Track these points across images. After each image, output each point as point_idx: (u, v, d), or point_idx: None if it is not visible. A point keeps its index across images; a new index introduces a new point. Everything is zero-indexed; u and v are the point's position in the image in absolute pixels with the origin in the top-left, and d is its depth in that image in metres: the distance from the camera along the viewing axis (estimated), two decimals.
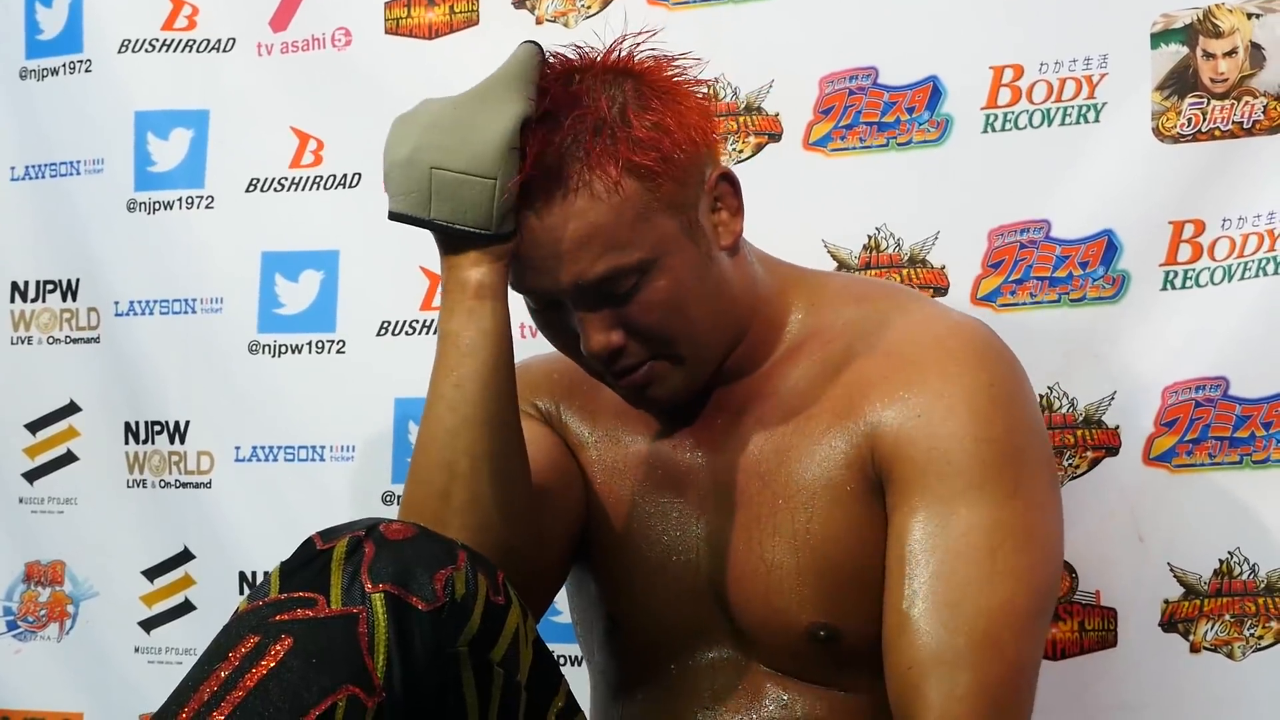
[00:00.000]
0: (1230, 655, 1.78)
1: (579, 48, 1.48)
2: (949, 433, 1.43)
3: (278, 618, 1.25)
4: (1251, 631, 1.77)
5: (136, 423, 2.32)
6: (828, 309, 1.54)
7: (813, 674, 1.51)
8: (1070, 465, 1.83)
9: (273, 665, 1.23)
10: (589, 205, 1.40)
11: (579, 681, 1.70)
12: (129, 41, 2.33)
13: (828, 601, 1.48)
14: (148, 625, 2.30)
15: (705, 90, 1.53)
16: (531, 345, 1.64)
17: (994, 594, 1.40)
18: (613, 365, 1.46)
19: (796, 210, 1.95)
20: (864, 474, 1.47)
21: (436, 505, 1.43)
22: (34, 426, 2.38)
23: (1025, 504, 1.44)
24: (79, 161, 2.36)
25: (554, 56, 1.47)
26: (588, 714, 1.67)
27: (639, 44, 1.47)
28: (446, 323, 1.43)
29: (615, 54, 1.47)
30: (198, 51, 2.31)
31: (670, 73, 1.47)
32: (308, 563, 1.29)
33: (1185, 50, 1.82)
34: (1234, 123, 1.79)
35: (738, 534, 1.51)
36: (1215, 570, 1.79)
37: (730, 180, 1.49)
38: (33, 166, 2.38)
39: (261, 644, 1.24)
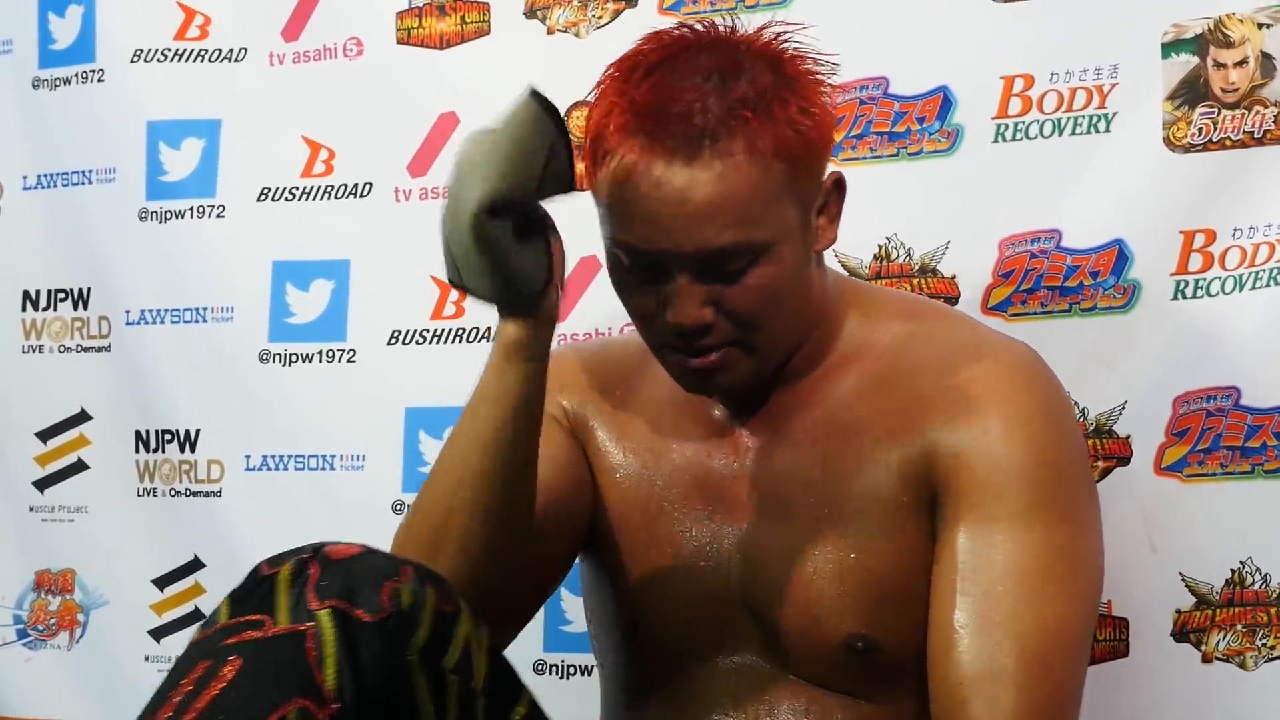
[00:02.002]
0: (1242, 665, 1.78)
1: (734, 19, 1.47)
2: (1009, 455, 1.44)
3: (226, 641, 1.28)
4: (1264, 642, 1.77)
5: (147, 431, 2.33)
6: (878, 322, 1.54)
7: (841, 684, 1.50)
8: None
9: (223, 686, 1.25)
10: (733, 172, 1.37)
11: (591, 692, 1.70)
12: (141, 51, 2.34)
13: (868, 614, 1.47)
14: (158, 634, 2.30)
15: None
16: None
17: (1045, 616, 1.40)
18: (693, 342, 1.44)
19: None
20: (917, 489, 1.47)
21: (429, 543, 1.44)
22: (45, 435, 2.38)
23: (1076, 528, 1.45)
24: (91, 170, 2.36)
25: (705, 23, 1.46)
26: (598, 718, 1.67)
27: (785, 35, 1.46)
28: (482, 375, 1.46)
29: (766, 36, 1.45)
30: (210, 61, 2.31)
31: (815, 68, 1.45)
32: (255, 588, 1.32)
33: (1196, 60, 1.82)
34: (1245, 132, 1.79)
35: (777, 541, 1.51)
36: (1227, 580, 1.78)
37: (842, 187, 1.48)
38: (44, 175, 2.39)
39: (211, 668, 1.26)
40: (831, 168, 1.49)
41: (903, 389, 1.49)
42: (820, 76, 1.45)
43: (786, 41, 1.45)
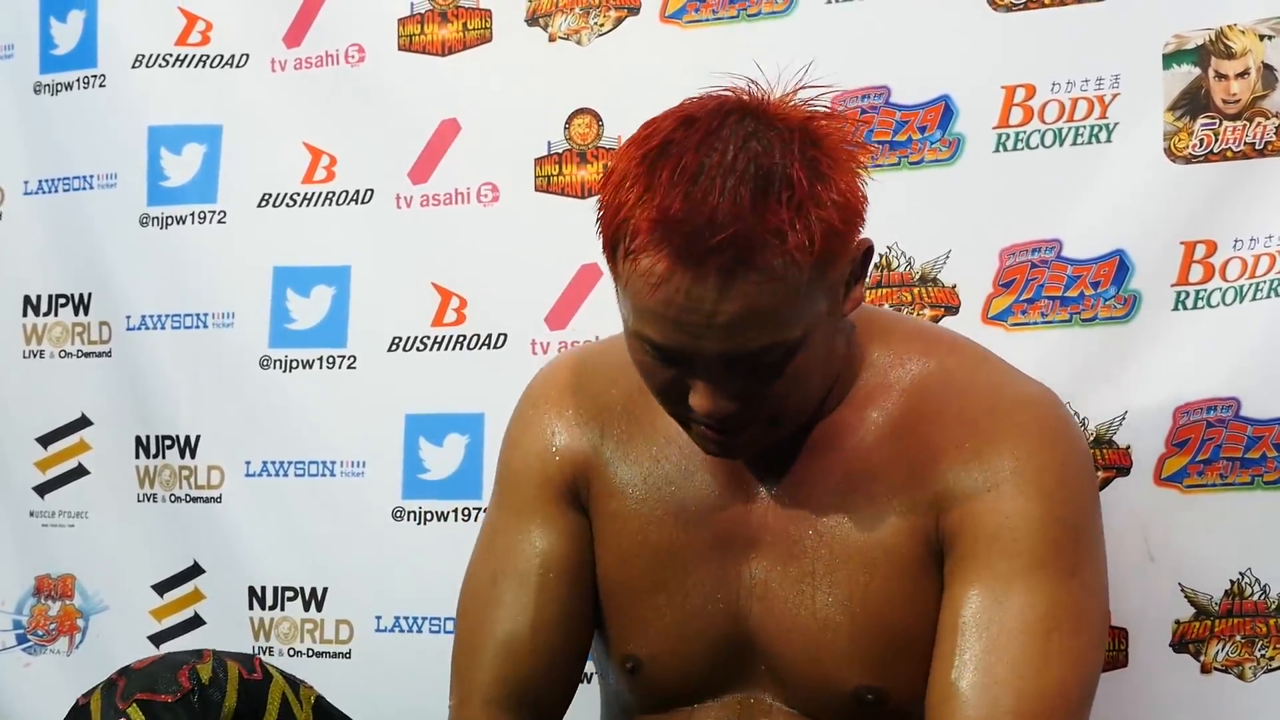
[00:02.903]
0: (1241, 676, 1.78)
1: (753, 84, 1.38)
2: (1019, 510, 1.42)
3: None
4: (1262, 653, 1.77)
5: (147, 437, 2.33)
6: (897, 360, 1.49)
7: None
8: None
9: None
10: (767, 285, 1.31)
11: (591, 699, 1.69)
12: (143, 57, 2.34)
13: (878, 665, 1.46)
14: (157, 639, 2.30)
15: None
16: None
17: (1048, 676, 1.39)
18: (716, 424, 1.40)
19: None
20: (927, 542, 1.45)
21: None
22: (45, 440, 2.38)
23: (1083, 587, 1.43)
24: (92, 176, 2.36)
25: (734, 93, 1.37)
26: None
27: (815, 101, 1.37)
28: None
29: (792, 102, 1.37)
30: (211, 67, 2.31)
31: (848, 142, 1.37)
32: (74, 716, 1.43)
33: (1197, 71, 1.82)
34: (1246, 144, 1.80)
35: (789, 587, 1.48)
36: (1226, 591, 1.78)
37: (870, 252, 1.41)
38: (46, 180, 2.39)
39: None
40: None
41: (918, 436, 1.46)
42: (853, 150, 1.37)
43: (817, 108, 1.37)
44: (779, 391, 1.38)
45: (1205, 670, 1.79)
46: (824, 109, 1.38)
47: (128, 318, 2.33)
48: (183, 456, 2.30)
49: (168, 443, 2.31)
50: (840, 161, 1.35)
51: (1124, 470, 1.83)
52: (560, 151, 2.13)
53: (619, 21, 2.11)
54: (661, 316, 1.33)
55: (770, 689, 1.51)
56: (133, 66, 2.34)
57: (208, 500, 2.29)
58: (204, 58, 2.32)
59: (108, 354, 2.36)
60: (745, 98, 1.37)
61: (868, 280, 1.44)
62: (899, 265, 1.94)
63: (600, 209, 1.37)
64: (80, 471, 2.37)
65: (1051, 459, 1.44)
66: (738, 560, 1.51)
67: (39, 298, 2.40)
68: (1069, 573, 1.42)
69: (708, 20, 2.06)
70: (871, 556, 1.46)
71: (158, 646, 2.30)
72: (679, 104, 1.39)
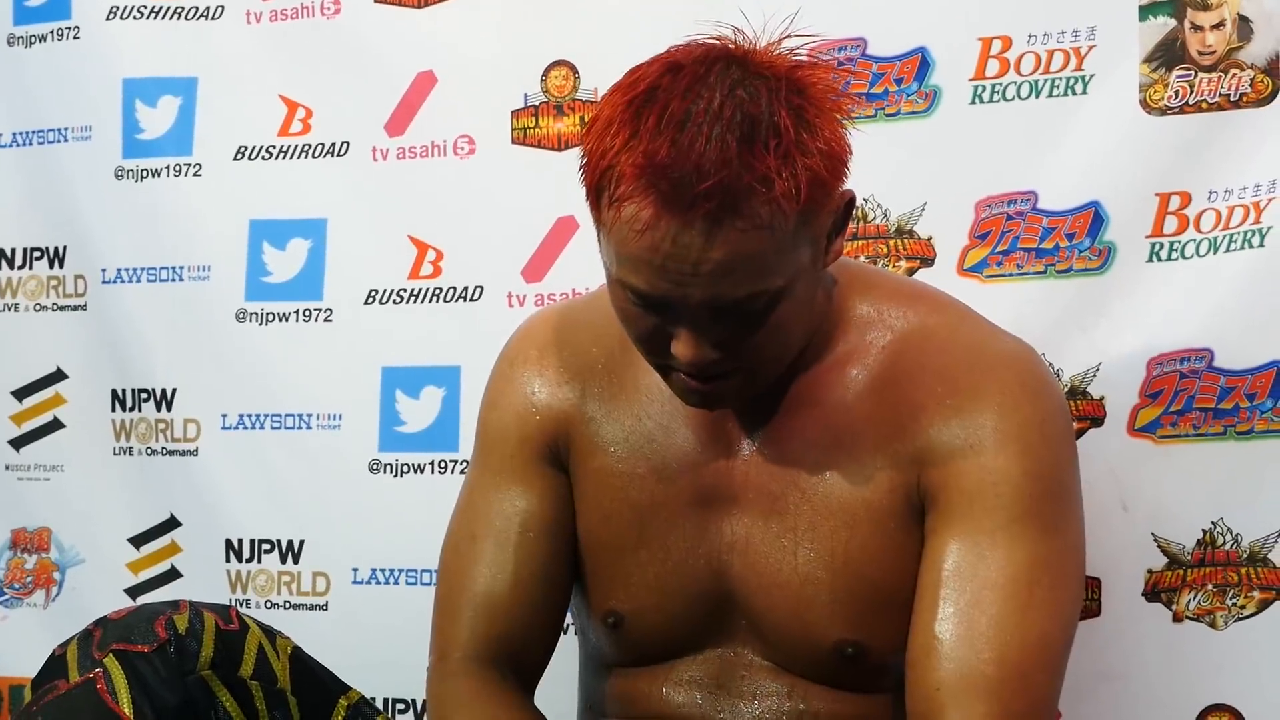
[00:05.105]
0: (1213, 625, 1.79)
1: (738, 32, 1.38)
2: (1000, 466, 1.43)
3: (31, 710, 1.43)
4: (1234, 601, 1.79)
5: (123, 390, 2.32)
6: (877, 315, 1.50)
7: (828, 679, 1.50)
8: None
9: None
10: (753, 233, 1.31)
11: (569, 649, 1.70)
12: (117, 8, 2.32)
13: (858, 620, 1.47)
14: (134, 592, 2.30)
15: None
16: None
17: (1029, 628, 1.40)
18: (698, 372, 1.40)
19: None
20: (908, 498, 1.46)
21: None
22: (20, 393, 2.38)
23: (1063, 542, 1.45)
24: (67, 128, 2.35)
25: (720, 41, 1.37)
26: (576, 685, 1.67)
27: (803, 50, 1.38)
28: None
29: (777, 51, 1.37)
30: (186, 19, 2.30)
31: (833, 90, 1.37)
32: (50, 666, 1.46)
33: (1173, 23, 1.82)
34: (1221, 95, 1.80)
35: (770, 542, 1.49)
36: (1198, 540, 1.80)
37: (851, 204, 1.41)
38: (20, 133, 2.38)
39: None
40: None
41: (900, 393, 1.47)
42: (838, 99, 1.37)
43: (804, 57, 1.37)
44: (760, 341, 1.38)
45: (1177, 619, 1.81)
46: (809, 59, 1.38)
47: (103, 271, 2.33)
48: (159, 409, 2.29)
49: (144, 396, 2.30)
50: (826, 110, 1.35)
51: (1098, 421, 1.84)
52: (537, 104, 2.13)
53: None
54: (646, 263, 1.33)
55: (750, 644, 1.52)
56: (107, 18, 2.33)
57: (184, 453, 2.28)
58: (178, 9, 2.30)
59: (83, 307, 2.35)
60: (731, 46, 1.37)
61: (845, 232, 1.44)
62: (875, 217, 1.94)
63: (584, 155, 1.37)
64: (56, 425, 2.37)
65: (1033, 416, 1.45)
66: (719, 516, 1.51)
67: (14, 251, 2.39)
68: (1050, 528, 1.44)
69: None
70: (853, 512, 1.47)
71: (134, 599, 2.30)
72: (665, 51, 1.38)
